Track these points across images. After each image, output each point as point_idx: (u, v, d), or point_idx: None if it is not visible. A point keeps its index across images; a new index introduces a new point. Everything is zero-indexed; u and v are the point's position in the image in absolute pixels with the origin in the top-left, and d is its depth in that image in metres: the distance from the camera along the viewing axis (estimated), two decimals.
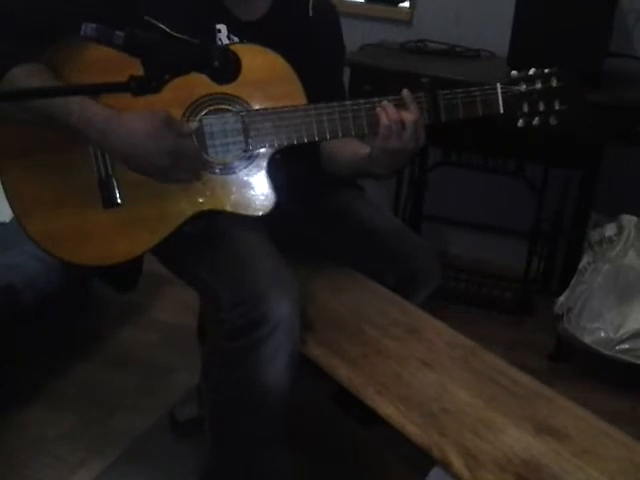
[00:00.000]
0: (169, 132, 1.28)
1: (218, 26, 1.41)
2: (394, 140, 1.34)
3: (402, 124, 1.33)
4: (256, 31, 1.43)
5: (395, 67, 2.30)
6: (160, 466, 1.75)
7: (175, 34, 1.02)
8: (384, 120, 1.33)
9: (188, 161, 1.32)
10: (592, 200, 2.46)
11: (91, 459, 1.77)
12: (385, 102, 1.35)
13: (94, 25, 0.92)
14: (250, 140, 1.36)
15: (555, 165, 2.41)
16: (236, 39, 1.42)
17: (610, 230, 2.27)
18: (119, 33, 0.94)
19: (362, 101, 1.36)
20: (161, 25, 1.01)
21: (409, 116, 1.33)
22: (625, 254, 2.17)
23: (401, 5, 2.73)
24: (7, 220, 2.00)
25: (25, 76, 1.24)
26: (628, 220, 2.24)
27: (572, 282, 2.27)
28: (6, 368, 1.96)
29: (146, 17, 1.01)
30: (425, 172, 2.63)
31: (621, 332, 2.08)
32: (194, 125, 1.34)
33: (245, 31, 1.42)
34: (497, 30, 2.38)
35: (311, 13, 1.50)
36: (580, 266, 2.29)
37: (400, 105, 1.35)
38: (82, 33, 0.92)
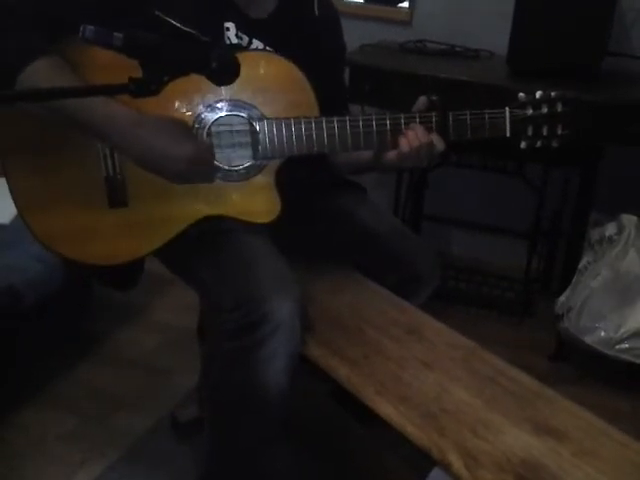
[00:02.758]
0: (189, 139, 1.28)
1: (227, 24, 1.39)
2: (412, 159, 1.37)
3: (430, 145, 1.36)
4: (265, 29, 1.42)
5: (394, 67, 2.30)
6: (161, 467, 1.75)
7: (185, 28, 1.01)
8: (414, 142, 1.36)
9: (203, 169, 1.31)
10: (592, 199, 2.46)
11: (92, 459, 1.77)
12: (415, 124, 1.37)
13: (92, 27, 0.92)
14: (259, 148, 1.36)
15: (555, 165, 2.41)
16: (245, 37, 1.41)
17: (610, 229, 2.27)
18: (118, 35, 0.93)
19: (374, 116, 1.37)
20: (171, 20, 1.01)
21: (440, 144, 1.38)
22: (625, 254, 2.17)
23: (400, 5, 2.73)
24: (7, 222, 2.00)
25: (46, 70, 1.20)
26: (628, 219, 2.24)
27: (572, 282, 2.27)
28: (7, 369, 1.96)
29: (157, 12, 1.00)
30: (425, 172, 2.63)
31: (621, 331, 2.08)
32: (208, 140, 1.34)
33: (254, 29, 1.41)
34: (496, 30, 2.38)
35: (317, 11, 1.50)
36: (580, 266, 2.28)
37: (408, 123, 1.37)
38: (80, 35, 0.92)
